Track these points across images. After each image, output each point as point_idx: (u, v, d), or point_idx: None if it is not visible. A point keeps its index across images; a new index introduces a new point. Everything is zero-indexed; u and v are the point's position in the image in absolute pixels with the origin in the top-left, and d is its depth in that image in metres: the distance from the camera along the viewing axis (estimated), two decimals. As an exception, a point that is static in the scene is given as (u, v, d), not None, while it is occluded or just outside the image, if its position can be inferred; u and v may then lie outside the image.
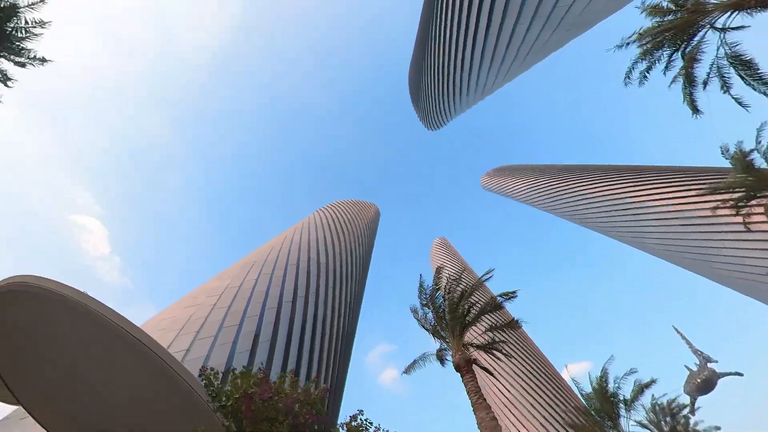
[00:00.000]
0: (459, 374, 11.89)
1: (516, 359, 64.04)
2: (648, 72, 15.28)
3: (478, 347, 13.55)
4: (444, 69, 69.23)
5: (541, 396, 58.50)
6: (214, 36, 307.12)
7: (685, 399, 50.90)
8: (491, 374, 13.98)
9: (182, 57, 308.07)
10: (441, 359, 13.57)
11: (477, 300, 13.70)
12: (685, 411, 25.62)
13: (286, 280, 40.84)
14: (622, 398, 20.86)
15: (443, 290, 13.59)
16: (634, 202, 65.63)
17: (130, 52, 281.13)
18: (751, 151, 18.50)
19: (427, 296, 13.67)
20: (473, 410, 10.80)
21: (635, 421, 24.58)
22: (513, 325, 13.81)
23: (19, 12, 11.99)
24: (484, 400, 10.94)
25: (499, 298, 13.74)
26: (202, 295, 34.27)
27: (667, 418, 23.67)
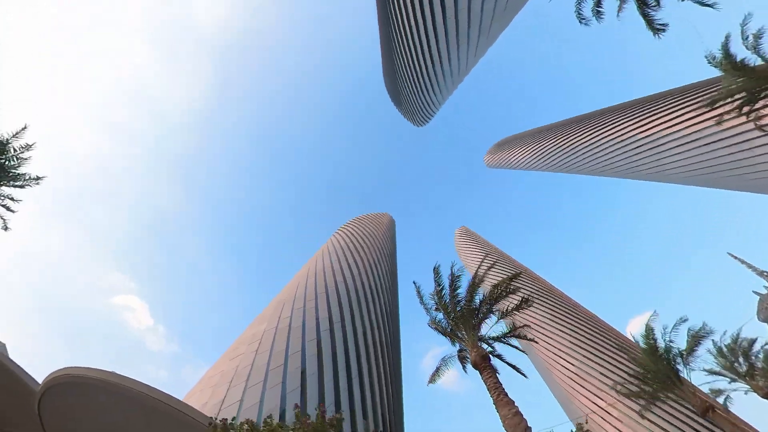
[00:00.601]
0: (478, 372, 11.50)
1: (573, 331, 61.39)
2: (599, 6, 14.95)
3: (495, 339, 13.10)
4: (416, 65, 69.82)
5: (608, 362, 55.49)
6: (194, 98, 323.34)
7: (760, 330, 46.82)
8: (517, 370, 13.06)
9: (171, 125, 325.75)
10: (462, 360, 13.18)
11: (493, 291, 13.26)
12: (761, 344, 22.34)
13: (319, 309, 41.41)
14: (677, 351, 18.72)
15: (449, 289, 13.34)
16: (646, 136, 62.80)
17: (128, 139, 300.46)
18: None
19: (435, 299, 13.46)
20: (495, 407, 10.34)
21: (706, 371, 22.49)
22: (526, 303, 13.18)
23: (8, 146, 13.50)
24: (506, 395, 10.41)
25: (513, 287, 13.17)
26: (243, 344, 35.25)
27: (740, 359, 21.46)
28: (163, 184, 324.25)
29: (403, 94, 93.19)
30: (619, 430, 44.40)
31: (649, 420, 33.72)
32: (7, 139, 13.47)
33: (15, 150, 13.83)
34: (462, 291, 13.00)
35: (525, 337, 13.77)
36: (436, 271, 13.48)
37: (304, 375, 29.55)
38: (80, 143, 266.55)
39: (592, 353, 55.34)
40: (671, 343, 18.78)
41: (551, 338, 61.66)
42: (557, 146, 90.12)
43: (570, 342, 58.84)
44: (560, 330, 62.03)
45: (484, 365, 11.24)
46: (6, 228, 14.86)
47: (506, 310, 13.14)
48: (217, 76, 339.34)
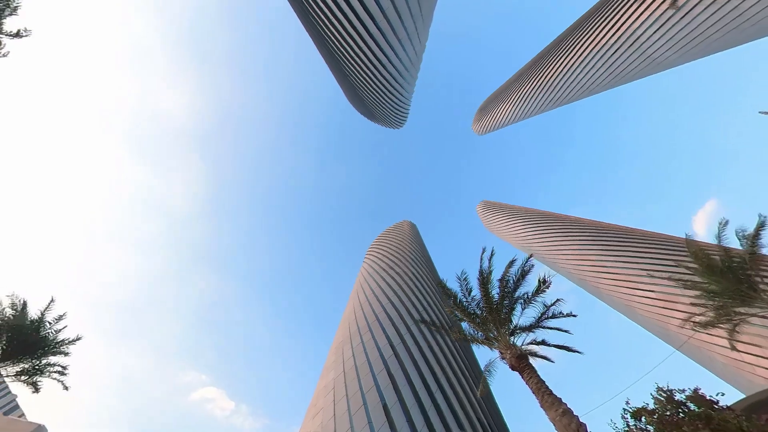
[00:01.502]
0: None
1: (634, 256, 57.33)
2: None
3: (528, 329, 12.14)
4: (370, 74, 70.80)
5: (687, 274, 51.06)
6: (192, 189, 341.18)
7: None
8: (568, 349, 11.72)
9: (180, 220, 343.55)
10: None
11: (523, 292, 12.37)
12: None
13: (377, 339, 40.99)
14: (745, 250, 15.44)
15: (466, 291, 12.68)
16: (622, 34, 59.94)
17: (149, 247, 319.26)
18: None
19: (456, 305, 12.80)
20: (543, 409, 9.51)
21: None
22: (544, 284, 12.13)
23: (44, 322, 14.84)
24: (550, 395, 9.50)
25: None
26: (319, 397, 35.20)
27: None
28: (195, 275, 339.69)
29: (372, 105, 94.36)
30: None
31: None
32: (41, 316, 14.65)
33: (50, 323, 15.04)
34: (477, 292, 12.32)
35: (560, 315, 12.49)
36: (443, 286, 12.84)
37: (387, 409, 28.95)
38: (111, 263, 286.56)
39: (666, 270, 51.09)
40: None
41: (615, 272, 57.73)
42: (538, 86, 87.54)
43: (635, 268, 54.77)
44: (618, 260, 58.12)
45: (523, 366, 10.42)
46: (66, 388, 15.85)
47: (527, 297, 12.19)
48: (205, 160, 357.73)
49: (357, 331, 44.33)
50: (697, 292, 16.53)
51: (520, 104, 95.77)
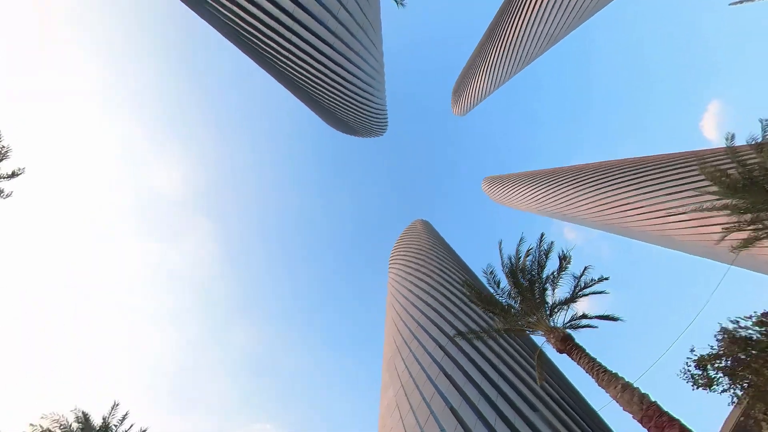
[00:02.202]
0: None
1: (653, 183, 55.41)
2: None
3: (562, 304, 11.81)
4: (339, 92, 72.03)
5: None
6: (200, 252, 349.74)
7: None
8: (610, 318, 11.30)
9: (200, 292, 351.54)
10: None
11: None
12: None
13: (424, 343, 40.54)
14: None
15: (492, 281, 12.49)
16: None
17: (183, 321, 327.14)
18: None
19: (488, 303, 12.57)
20: (601, 387, 9.12)
21: None
22: (565, 260, 11.76)
23: (110, 426, 15.62)
24: (605, 372, 9.12)
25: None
26: (386, 419, 34.82)
27: None
28: (232, 331, 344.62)
29: (351, 122, 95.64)
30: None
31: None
32: (104, 423, 15.24)
33: (116, 426, 15.61)
34: (505, 283, 12.11)
35: (593, 282, 12.12)
36: (473, 288, 12.71)
37: (455, 411, 28.40)
38: (152, 342, 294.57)
39: (690, 189, 49.05)
40: None
41: (640, 206, 55.77)
42: (501, 51, 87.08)
43: (660, 196, 52.84)
44: (640, 193, 56.20)
45: (569, 347, 10.10)
46: None
47: (554, 277, 11.94)
48: (212, 219, 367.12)
49: (403, 343, 43.96)
50: (728, 211, 15.57)
51: (490, 74, 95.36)
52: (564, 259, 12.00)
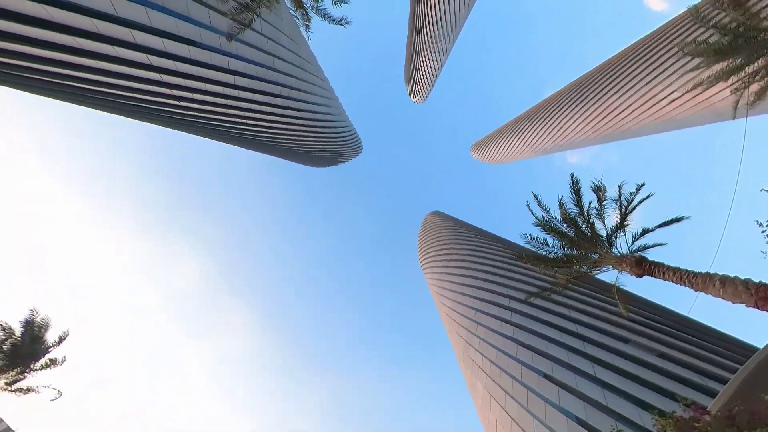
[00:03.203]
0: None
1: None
2: None
3: (616, 229, 11.37)
4: (306, 131, 73.47)
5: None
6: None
7: None
8: (674, 221, 10.93)
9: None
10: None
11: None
12: None
13: (489, 325, 39.44)
14: None
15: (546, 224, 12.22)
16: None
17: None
18: None
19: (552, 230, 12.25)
20: (699, 291, 8.61)
21: None
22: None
23: None
24: (696, 275, 8.65)
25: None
26: (487, 414, 33.54)
27: None
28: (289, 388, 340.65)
29: (328, 154, 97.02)
30: None
31: None
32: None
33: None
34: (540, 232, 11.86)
35: (635, 195, 11.67)
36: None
37: (549, 377, 27.19)
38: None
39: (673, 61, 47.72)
40: None
41: (630, 103, 54.41)
42: (434, 23, 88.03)
43: (647, 83, 51.52)
44: (625, 92, 54.98)
45: (648, 267, 9.57)
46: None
47: (597, 209, 11.73)
48: (238, 295, 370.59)
49: (469, 334, 42.85)
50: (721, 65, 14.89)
51: (432, 52, 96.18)
52: (599, 190, 12.15)
